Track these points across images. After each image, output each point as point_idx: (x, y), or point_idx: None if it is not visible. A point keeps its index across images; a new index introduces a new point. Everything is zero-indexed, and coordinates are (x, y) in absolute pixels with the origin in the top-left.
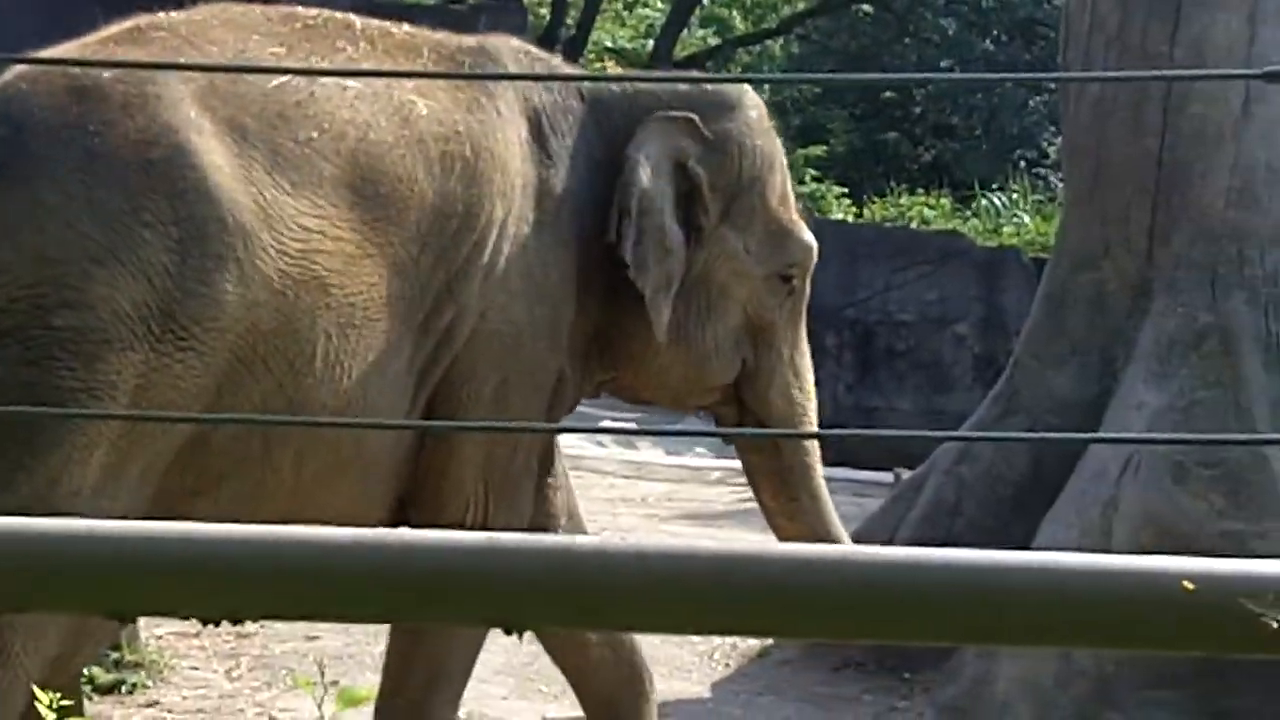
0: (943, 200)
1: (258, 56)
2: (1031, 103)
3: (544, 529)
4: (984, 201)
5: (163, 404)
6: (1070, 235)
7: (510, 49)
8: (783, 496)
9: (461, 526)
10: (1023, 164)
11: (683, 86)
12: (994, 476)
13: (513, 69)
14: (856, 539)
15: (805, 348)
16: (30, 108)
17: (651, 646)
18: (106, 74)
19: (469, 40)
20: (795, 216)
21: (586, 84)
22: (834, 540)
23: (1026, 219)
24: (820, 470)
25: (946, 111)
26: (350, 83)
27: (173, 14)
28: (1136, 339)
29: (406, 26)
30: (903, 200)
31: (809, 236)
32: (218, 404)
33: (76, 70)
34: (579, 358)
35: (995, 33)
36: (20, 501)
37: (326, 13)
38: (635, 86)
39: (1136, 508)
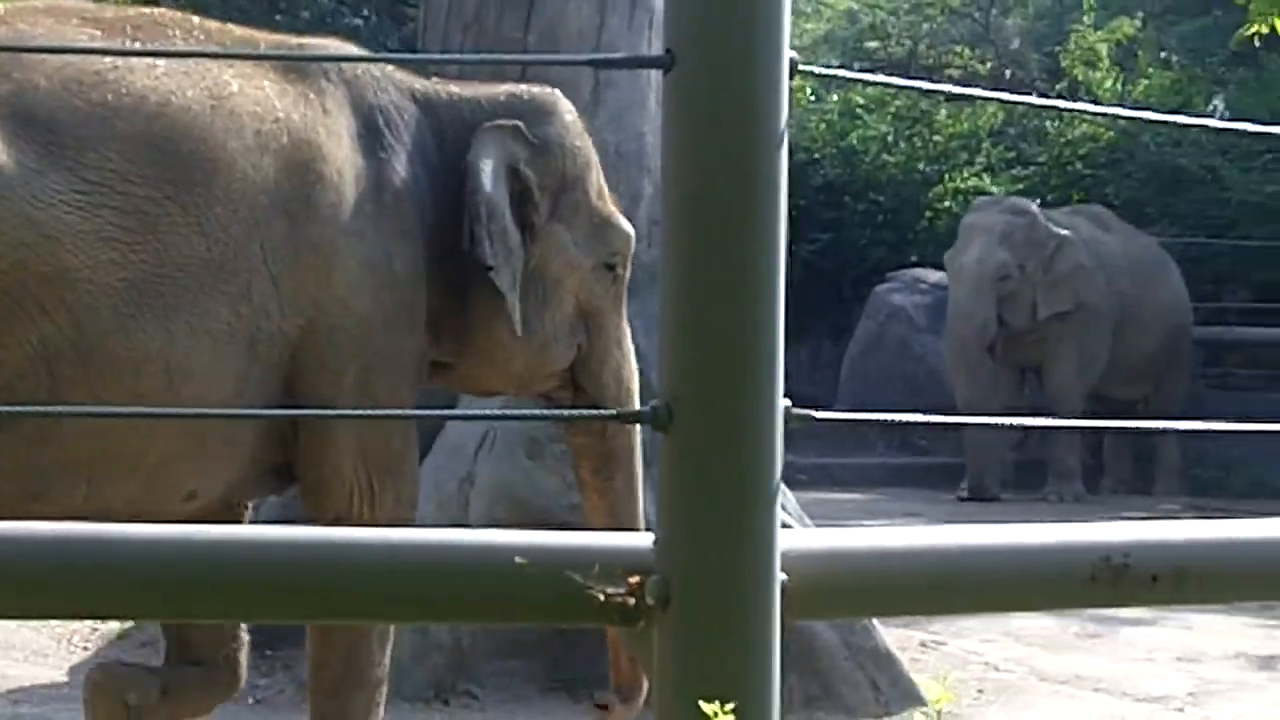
0: None
1: (72, 39)
2: None
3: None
4: None
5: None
6: None
7: (346, 53)
8: (601, 475)
9: (348, 515)
10: None
11: (498, 92)
12: None
13: (346, 71)
14: None
15: (627, 329)
16: None
17: (8, 631)
18: None
19: (310, 41)
20: (614, 209)
21: (420, 88)
22: (632, 522)
23: None
24: (639, 454)
25: None
26: (161, 64)
27: (16, 5)
28: None
29: (250, 30)
30: None
31: (628, 226)
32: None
33: None
34: (430, 342)
35: (366, 11)
36: None
37: (171, 11)
38: (461, 95)
39: (492, 482)
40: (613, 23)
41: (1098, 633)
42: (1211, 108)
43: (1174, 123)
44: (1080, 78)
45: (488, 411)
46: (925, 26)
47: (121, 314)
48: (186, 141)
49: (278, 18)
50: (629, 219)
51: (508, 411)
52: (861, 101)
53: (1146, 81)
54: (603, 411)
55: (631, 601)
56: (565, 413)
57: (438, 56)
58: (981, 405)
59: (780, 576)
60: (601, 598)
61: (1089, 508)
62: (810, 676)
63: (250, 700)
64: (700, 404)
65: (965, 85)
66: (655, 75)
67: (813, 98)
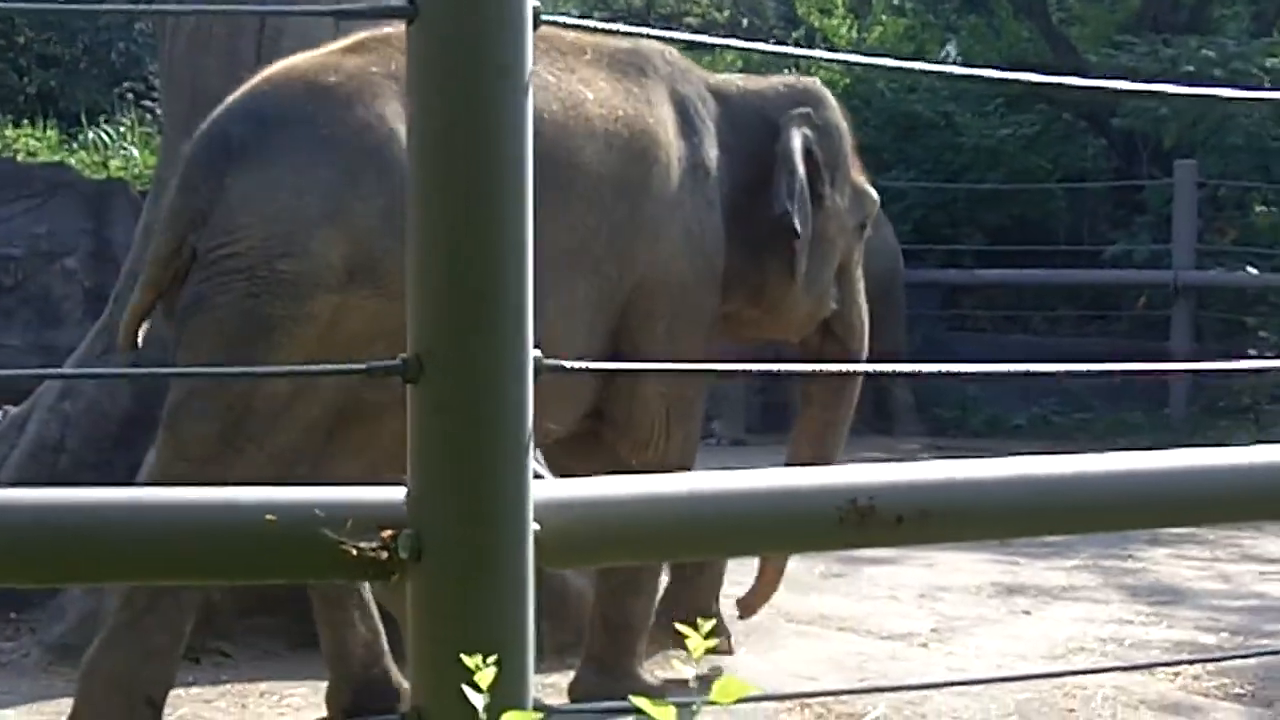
0: (50, 132)
1: None
2: (138, 28)
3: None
4: (91, 134)
5: (352, 335)
6: (170, 168)
7: (656, 50)
8: (828, 409)
9: (648, 443)
10: (130, 96)
11: (776, 83)
12: (98, 412)
13: (659, 66)
14: None
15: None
16: (273, 104)
17: None
18: (334, 77)
19: (624, 43)
20: (863, 177)
21: (711, 81)
22: (833, 454)
23: (135, 151)
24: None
25: (51, 40)
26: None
27: (390, 29)
28: None
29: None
30: (8, 132)
31: (873, 191)
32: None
33: (314, 76)
34: (724, 297)
35: None
36: None
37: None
38: (746, 87)
39: None
40: None
41: (842, 572)
42: (944, 54)
43: (910, 69)
44: (816, 24)
45: (240, 370)
46: None
47: None
48: (556, 151)
49: None
50: None
51: (266, 369)
52: None
53: (881, 28)
54: (354, 366)
55: (385, 555)
56: (320, 368)
57: (175, 9)
58: None
59: (533, 527)
60: (354, 553)
61: None
62: (562, 624)
63: None
64: (450, 356)
65: (703, 33)
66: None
67: None
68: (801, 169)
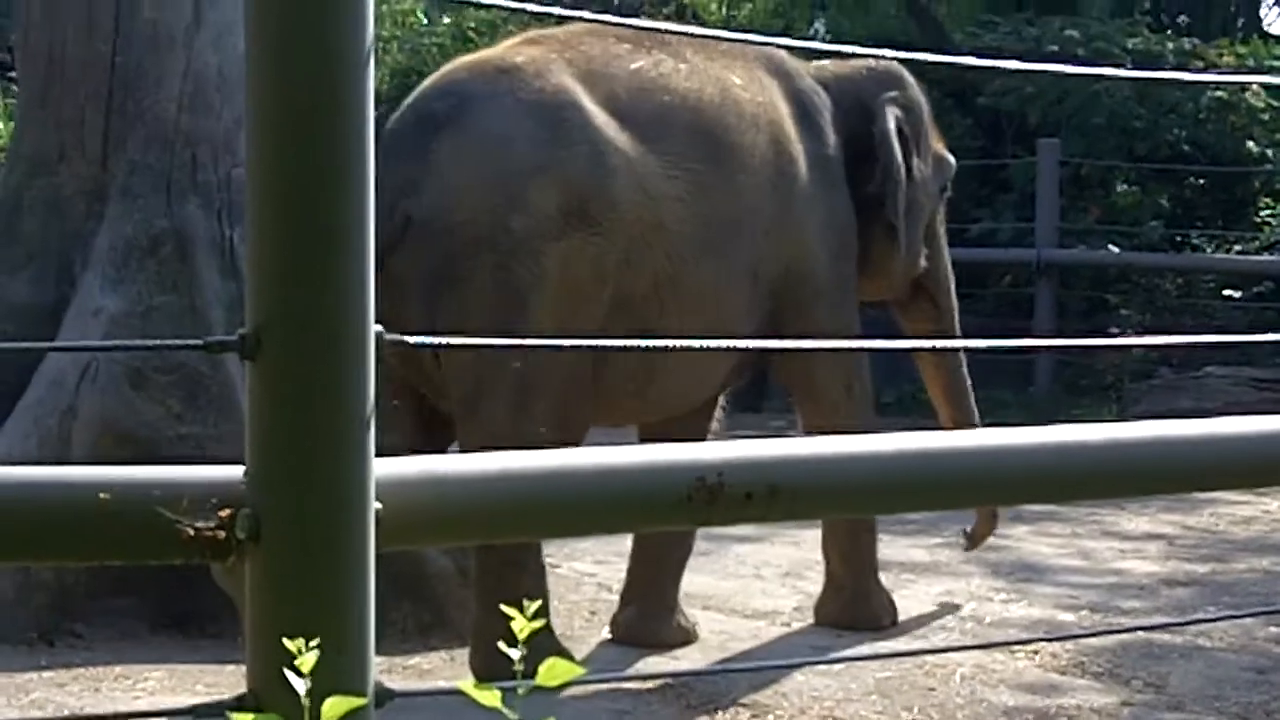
0: None
1: (617, 55)
2: None
3: None
4: None
5: (580, 279)
6: (25, 139)
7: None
8: (937, 356)
9: (832, 409)
10: None
11: (860, 67)
12: None
13: (777, 63)
14: None
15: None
16: (470, 82)
17: None
18: (520, 59)
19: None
20: (941, 145)
21: (814, 71)
22: (965, 392)
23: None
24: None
25: None
26: (681, 65)
27: (556, 29)
28: (93, 244)
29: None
30: None
31: (951, 157)
32: (626, 274)
33: (502, 60)
34: None
35: None
36: None
37: (663, 24)
38: (839, 73)
39: (95, 414)
40: None
41: (709, 550)
42: (813, 30)
43: (780, 45)
44: (687, 1)
45: (88, 343)
46: None
47: (695, 254)
48: (716, 129)
49: None
50: (232, 141)
51: (109, 342)
52: (473, 25)
53: (750, 4)
54: (192, 341)
55: (222, 535)
56: (156, 343)
57: None
58: None
59: (375, 506)
60: (190, 532)
61: None
62: (423, 604)
63: None
64: (288, 331)
65: (576, 9)
66: None
67: (424, 21)
68: (898, 151)
